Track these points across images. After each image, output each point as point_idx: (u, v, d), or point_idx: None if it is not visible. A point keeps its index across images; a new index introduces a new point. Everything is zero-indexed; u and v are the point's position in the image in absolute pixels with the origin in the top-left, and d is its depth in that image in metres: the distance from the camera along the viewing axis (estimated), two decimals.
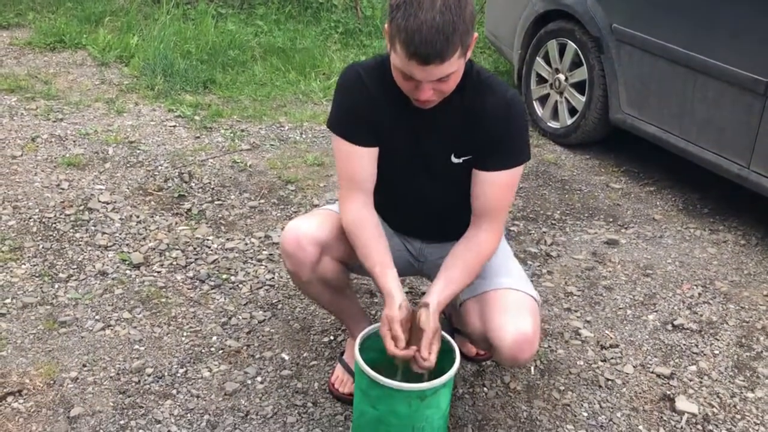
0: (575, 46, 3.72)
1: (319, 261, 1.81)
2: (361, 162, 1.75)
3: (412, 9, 1.45)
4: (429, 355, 1.62)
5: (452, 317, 2.17)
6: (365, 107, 1.72)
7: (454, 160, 1.74)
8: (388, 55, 1.69)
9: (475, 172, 1.73)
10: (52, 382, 2.02)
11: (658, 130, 3.39)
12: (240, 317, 2.35)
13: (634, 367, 2.27)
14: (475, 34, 1.56)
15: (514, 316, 1.72)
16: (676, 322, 2.50)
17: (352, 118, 1.74)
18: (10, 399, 1.95)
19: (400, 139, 1.75)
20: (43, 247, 2.61)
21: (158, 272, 2.54)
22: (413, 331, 1.66)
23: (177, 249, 2.68)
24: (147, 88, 4.11)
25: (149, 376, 2.08)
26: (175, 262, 2.60)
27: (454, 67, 1.51)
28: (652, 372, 2.26)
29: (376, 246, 1.73)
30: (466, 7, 1.47)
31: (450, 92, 1.62)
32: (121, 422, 1.91)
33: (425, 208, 1.87)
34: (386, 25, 1.54)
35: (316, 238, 1.79)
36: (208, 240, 2.75)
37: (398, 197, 1.85)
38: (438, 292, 1.67)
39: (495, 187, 1.72)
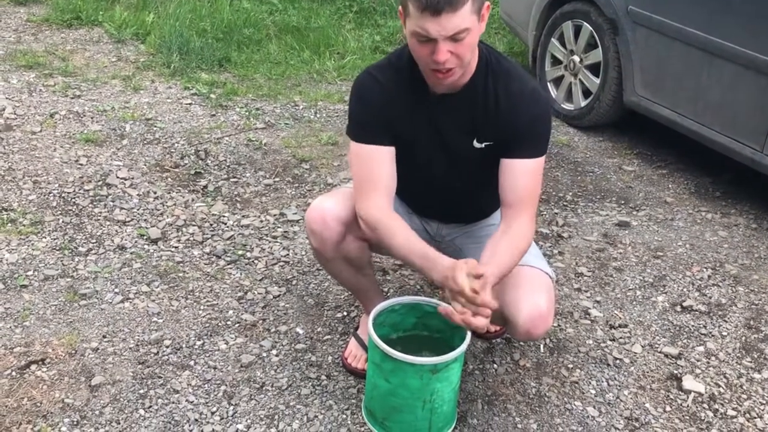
0: (591, 28, 3.71)
1: (343, 239, 1.85)
2: (381, 163, 1.77)
3: None
4: (481, 311, 1.59)
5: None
6: (382, 106, 1.75)
7: (476, 144, 1.77)
8: (400, 51, 1.73)
9: (503, 162, 1.74)
10: (73, 351, 2.08)
11: (672, 113, 3.39)
12: (255, 292, 2.40)
13: (642, 346, 2.31)
14: (488, 3, 1.59)
15: (529, 291, 1.76)
16: (685, 304, 2.52)
17: (373, 123, 1.76)
18: (33, 367, 2.01)
19: (420, 128, 1.77)
20: (63, 222, 2.67)
21: (175, 247, 2.59)
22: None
23: (194, 225, 2.73)
24: (163, 65, 4.14)
25: (167, 347, 2.13)
26: (192, 238, 2.65)
27: (467, 23, 1.54)
28: (660, 352, 2.29)
29: (409, 229, 1.73)
30: None
31: (467, 62, 1.63)
32: (141, 391, 1.97)
33: (444, 192, 1.90)
34: (400, 7, 1.58)
35: (340, 217, 1.82)
36: (224, 216, 2.80)
37: (418, 182, 1.88)
38: (491, 269, 1.63)
39: (526, 175, 1.73)
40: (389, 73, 1.74)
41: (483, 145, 1.77)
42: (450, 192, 1.90)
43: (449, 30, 1.54)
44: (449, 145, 1.79)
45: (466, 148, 1.78)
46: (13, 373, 1.98)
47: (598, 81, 3.72)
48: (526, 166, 1.73)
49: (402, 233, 1.72)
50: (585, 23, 3.74)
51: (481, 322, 1.59)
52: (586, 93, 3.83)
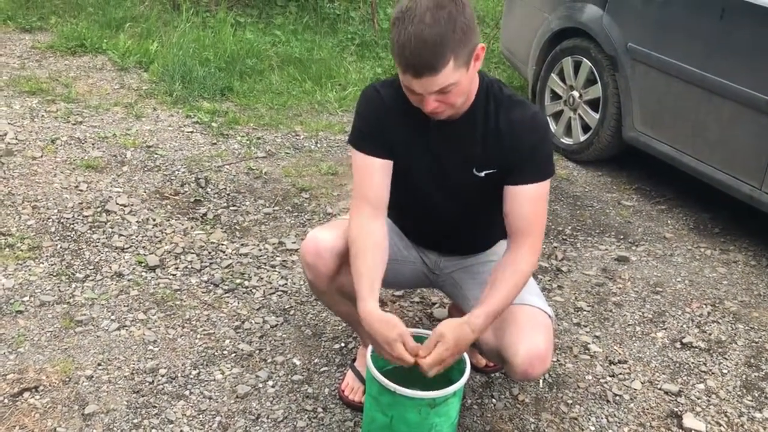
0: (590, 64, 3.75)
1: (338, 272, 1.83)
2: (374, 174, 1.77)
3: (403, 24, 1.50)
4: (426, 367, 1.62)
5: None
6: (383, 123, 1.75)
7: (477, 173, 1.76)
8: None
9: (507, 189, 1.73)
10: (67, 379, 2.05)
11: (670, 149, 3.41)
12: (253, 322, 2.39)
13: (642, 383, 2.29)
14: (481, 45, 1.58)
15: (527, 332, 1.73)
16: (684, 340, 2.51)
17: (369, 132, 1.77)
18: (26, 395, 1.98)
19: (419, 155, 1.77)
20: (61, 247, 2.66)
21: (173, 275, 2.58)
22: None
23: (192, 253, 2.72)
24: (165, 93, 4.17)
25: (163, 376, 2.11)
26: (190, 266, 2.64)
27: (452, 79, 1.54)
28: (660, 389, 2.27)
29: (371, 257, 1.70)
30: (458, 18, 1.50)
31: (461, 103, 1.64)
32: (135, 421, 1.94)
33: (442, 223, 1.89)
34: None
35: (335, 249, 1.81)
36: (222, 245, 2.79)
37: (416, 212, 1.88)
38: (474, 320, 1.65)
39: (530, 201, 1.72)
40: (392, 91, 1.75)
41: (483, 174, 1.76)
42: (449, 222, 1.90)
43: (434, 88, 1.55)
44: (449, 174, 1.79)
45: (466, 177, 1.77)
46: (6, 401, 1.95)
47: (597, 116, 3.75)
48: (531, 192, 1.72)
49: (362, 261, 1.69)
50: (584, 59, 3.79)
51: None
52: (586, 128, 3.86)
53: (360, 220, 1.75)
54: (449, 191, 1.81)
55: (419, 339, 1.87)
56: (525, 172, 1.71)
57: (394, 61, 1.56)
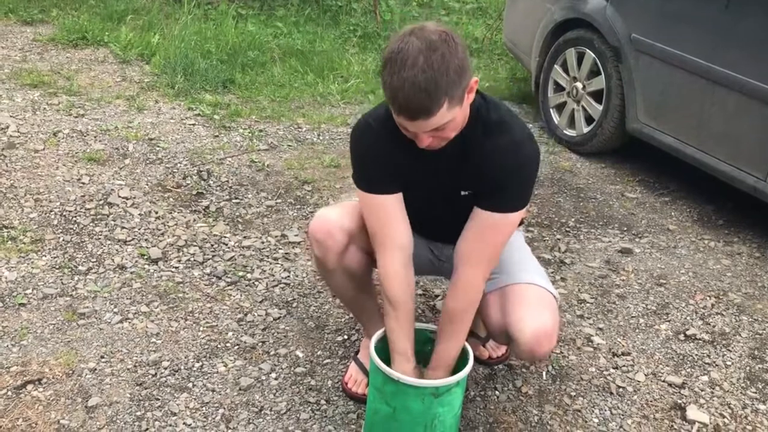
0: (593, 55, 3.73)
1: (346, 249, 1.85)
2: (393, 214, 1.76)
3: (395, 67, 1.47)
4: None
5: None
6: (381, 156, 1.74)
7: (463, 193, 1.76)
8: None
9: (473, 208, 1.73)
10: (70, 371, 2.05)
11: (674, 140, 3.39)
12: (255, 314, 2.38)
13: (645, 375, 2.28)
14: (474, 79, 1.56)
15: (534, 310, 1.75)
16: (688, 332, 2.50)
17: (377, 174, 1.75)
18: (30, 387, 1.98)
19: (418, 175, 1.77)
20: (63, 240, 2.65)
21: (176, 268, 2.58)
22: None
23: (195, 245, 2.71)
24: (167, 86, 4.16)
25: (166, 369, 2.11)
26: (192, 258, 2.64)
27: (446, 118, 1.52)
28: (664, 381, 2.26)
29: (403, 312, 1.78)
30: (451, 60, 1.47)
31: (454, 135, 1.62)
32: (138, 413, 1.94)
33: (446, 225, 1.90)
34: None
35: (344, 227, 1.83)
36: (225, 237, 2.79)
37: (421, 218, 1.87)
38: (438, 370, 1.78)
39: (485, 229, 1.71)
40: (383, 120, 1.71)
41: (467, 194, 1.76)
42: (450, 226, 1.90)
43: (428, 128, 1.53)
44: (441, 193, 1.79)
45: (454, 196, 1.77)
46: (9, 393, 1.95)
47: (600, 108, 3.73)
48: (488, 219, 1.70)
49: (405, 317, 1.78)
50: (588, 50, 3.77)
51: None
52: (589, 120, 3.84)
53: (394, 267, 1.76)
54: (447, 204, 1.81)
55: (422, 333, 1.87)
56: (489, 198, 1.69)
57: (387, 101, 1.54)
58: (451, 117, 1.53)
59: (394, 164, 1.74)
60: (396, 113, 1.53)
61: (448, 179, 1.75)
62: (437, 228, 1.95)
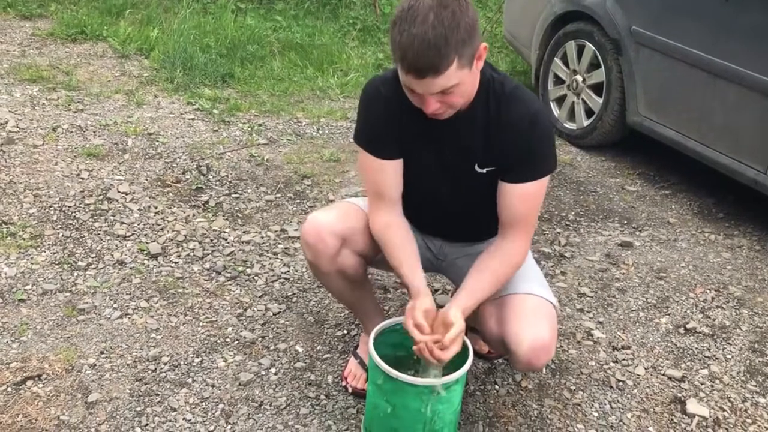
0: (594, 48, 3.72)
1: (338, 253, 1.83)
2: (387, 176, 1.79)
3: (405, 24, 1.47)
4: (449, 345, 1.63)
5: (468, 315, 2.19)
6: (387, 121, 1.74)
7: (478, 170, 1.75)
8: None
9: (500, 184, 1.73)
10: (70, 367, 2.06)
11: (675, 133, 3.38)
12: (255, 309, 2.38)
13: (645, 369, 2.28)
14: (483, 44, 1.56)
15: (531, 322, 1.73)
16: (688, 326, 2.50)
17: (376, 133, 1.76)
18: (29, 383, 1.98)
19: (423, 149, 1.76)
20: (63, 236, 2.65)
21: (175, 263, 2.58)
22: (435, 329, 1.67)
23: (194, 240, 2.71)
24: (166, 80, 4.15)
25: (165, 364, 2.11)
26: (192, 254, 2.64)
27: (454, 80, 1.51)
28: (664, 374, 2.26)
29: (405, 247, 1.78)
30: (462, 18, 1.47)
31: (462, 104, 1.62)
32: (138, 409, 1.94)
33: (447, 212, 1.89)
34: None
35: (336, 230, 1.82)
36: (224, 232, 2.78)
37: (421, 201, 1.87)
38: (463, 301, 1.70)
39: (521, 199, 1.72)
40: (393, 87, 1.72)
41: (485, 171, 1.74)
42: (453, 213, 1.89)
43: (435, 89, 1.52)
44: (451, 170, 1.78)
45: (467, 173, 1.76)
46: (9, 389, 1.95)
47: (600, 101, 3.72)
48: (525, 190, 1.71)
49: (392, 244, 1.79)
50: (588, 43, 3.75)
51: (440, 355, 1.63)
52: (589, 113, 3.83)
53: (381, 216, 1.80)
54: (452, 185, 1.80)
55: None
56: (520, 171, 1.70)
57: (394, 61, 1.54)
58: (459, 79, 1.52)
59: (400, 133, 1.74)
60: (404, 72, 1.52)
61: (462, 155, 1.74)
62: (438, 215, 1.92)
